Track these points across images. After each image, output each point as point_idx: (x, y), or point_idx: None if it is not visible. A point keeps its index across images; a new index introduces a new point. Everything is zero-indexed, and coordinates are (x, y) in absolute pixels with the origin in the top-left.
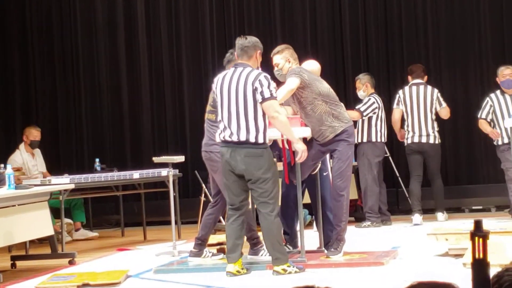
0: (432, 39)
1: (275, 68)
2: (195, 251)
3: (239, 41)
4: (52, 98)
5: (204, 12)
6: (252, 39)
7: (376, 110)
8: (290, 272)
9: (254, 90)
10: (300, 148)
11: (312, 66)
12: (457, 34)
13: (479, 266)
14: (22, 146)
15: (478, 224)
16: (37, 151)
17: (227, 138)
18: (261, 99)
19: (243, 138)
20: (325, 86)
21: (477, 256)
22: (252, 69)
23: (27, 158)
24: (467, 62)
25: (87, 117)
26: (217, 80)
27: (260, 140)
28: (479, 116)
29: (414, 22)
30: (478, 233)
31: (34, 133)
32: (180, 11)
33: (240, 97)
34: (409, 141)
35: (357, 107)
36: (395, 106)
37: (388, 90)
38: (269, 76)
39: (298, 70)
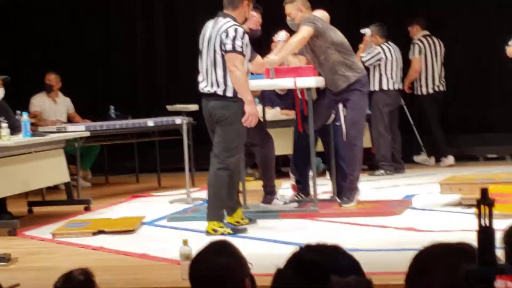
0: None
1: (287, 18)
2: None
3: None
4: (69, 42)
5: None
6: None
7: (381, 59)
8: (222, 233)
9: (221, 42)
10: (248, 111)
11: (321, 15)
12: None
13: (485, 234)
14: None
15: (484, 192)
16: (63, 99)
17: (200, 90)
18: (224, 51)
19: (212, 90)
20: (338, 35)
21: (483, 223)
22: (228, 20)
23: (47, 103)
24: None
25: (102, 63)
26: (203, 28)
27: (229, 94)
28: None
29: None
30: (484, 201)
31: (49, 77)
32: None
33: (211, 48)
34: (431, 90)
35: (360, 55)
36: (416, 55)
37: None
38: (240, 30)
39: (312, 19)
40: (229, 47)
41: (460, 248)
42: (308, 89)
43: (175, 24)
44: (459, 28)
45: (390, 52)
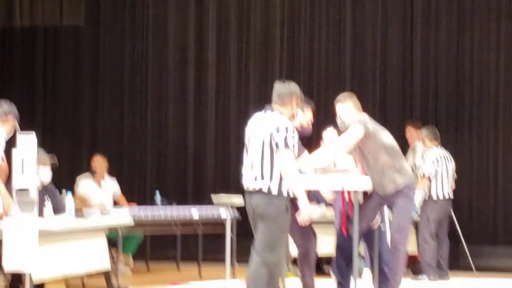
0: (503, 95)
1: (338, 118)
2: None
3: (276, 85)
4: (118, 130)
5: (274, 52)
6: (290, 86)
7: (438, 164)
8: None
9: (271, 138)
10: (305, 209)
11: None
12: None
13: None
14: (89, 172)
15: None
16: (108, 182)
17: (244, 185)
18: (276, 147)
19: (257, 186)
20: (389, 138)
21: None
22: (279, 116)
23: (91, 186)
24: None
25: (152, 150)
26: (250, 121)
27: (274, 191)
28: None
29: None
30: None
31: (96, 161)
32: (250, 51)
33: (258, 143)
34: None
35: (421, 172)
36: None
37: (456, 141)
38: (291, 127)
39: (363, 120)
40: (281, 144)
41: None
42: (356, 192)
43: (228, 111)
44: None
45: (441, 157)
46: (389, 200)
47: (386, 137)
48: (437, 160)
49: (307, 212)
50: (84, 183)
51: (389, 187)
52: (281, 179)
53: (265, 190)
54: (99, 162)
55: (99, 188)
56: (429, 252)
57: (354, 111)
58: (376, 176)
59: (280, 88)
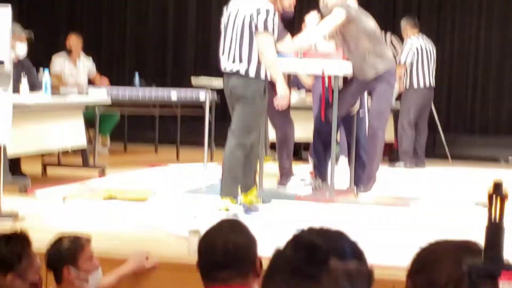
0: None
1: (320, 2)
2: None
3: None
4: (98, 5)
5: None
6: None
7: (415, 54)
8: (234, 210)
9: (251, 20)
10: (281, 93)
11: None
12: None
13: (493, 229)
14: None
15: (497, 185)
16: (84, 61)
17: (222, 67)
18: (255, 30)
19: (234, 68)
20: (371, 23)
21: (492, 219)
22: None
23: (66, 64)
24: None
25: (131, 31)
26: (228, 4)
27: (251, 72)
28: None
29: None
30: (497, 194)
31: (70, 39)
32: None
33: (237, 25)
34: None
35: (397, 59)
36: None
37: (437, 33)
38: (272, 9)
39: (346, 5)
40: (260, 26)
41: (466, 245)
42: (336, 77)
43: None
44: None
45: (422, 45)
46: (369, 85)
47: (368, 21)
48: (416, 49)
49: (284, 96)
50: (59, 62)
51: (370, 72)
52: (259, 62)
53: (242, 72)
54: (74, 40)
55: (74, 67)
56: (407, 140)
57: None
58: (357, 61)
59: None
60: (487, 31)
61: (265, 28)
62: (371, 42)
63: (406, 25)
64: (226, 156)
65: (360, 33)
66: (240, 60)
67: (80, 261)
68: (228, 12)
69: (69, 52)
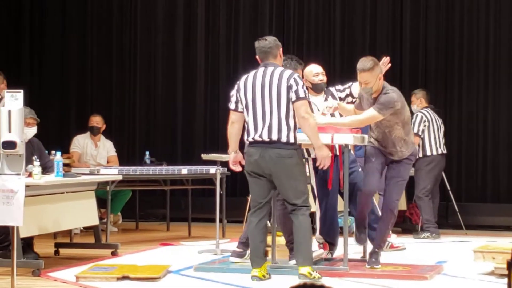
0: (492, 55)
1: (363, 86)
2: (239, 251)
3: (261, 44)
4: (108, 89)
5: (264, 16)
6: (272, 39)
7: (426, 123)
8: (314, 277)
9: (289, 88)
10: (322, 155)
11: None
12: None
13: None
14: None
15: None
16: (104, 143)
17: (257, 138)
18: (295, 97)
19: (274, 137)
20: (408, 112)
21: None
22: (283, 68)
23: (88, 145)
24: None
25: (140, 111)
26: (246, 78)
27: (291, 140)
28: None
29: (476, 37)
30: None
31: (92, 120)
32: (240, 12)
33: (273, 95)
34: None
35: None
36: None
37: (445, 104)
38: (299, 77)
39: (394, 100)
40: (301, 94)
41: None
42: (346, 146)
43: (217, 70)
44: None
45: (431, 116)
46: (390, 163)
47: (406, 112)
48: (427, 119)
49: (324, 156)
50: (81, 142)
51: (395, 156)
52: (295, 128)
53: (284, 140)
54: (100, 122)
55: (95, 148)
56: (425, 209)
57: (381, 77)
58: (387, 144)
59: (266, 44)
60: (495, 101)
61: (305, 95)
62: (404, 131)
63: (421, 96)
64: (301, 224)
65: (397, 122)
66: (279, 130)
67: None
68: (250, 87)
69: (96, 132)
